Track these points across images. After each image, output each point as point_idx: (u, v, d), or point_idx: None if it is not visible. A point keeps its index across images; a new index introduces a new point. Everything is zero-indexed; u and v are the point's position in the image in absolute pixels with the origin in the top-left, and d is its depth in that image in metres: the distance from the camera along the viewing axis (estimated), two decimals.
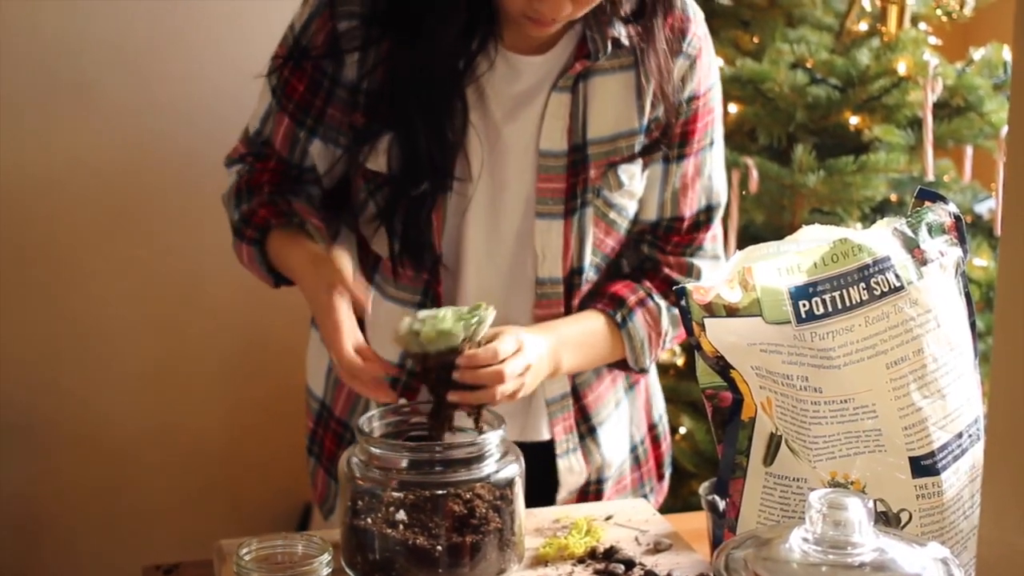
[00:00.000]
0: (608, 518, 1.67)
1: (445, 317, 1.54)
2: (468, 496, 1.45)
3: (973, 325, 1.40)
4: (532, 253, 1.76)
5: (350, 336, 1.61)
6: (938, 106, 2.54)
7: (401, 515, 1.44)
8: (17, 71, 2.68)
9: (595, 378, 1.87)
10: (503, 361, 1.57)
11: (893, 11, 2.58)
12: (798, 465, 1.34)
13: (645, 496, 1.96)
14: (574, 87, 1.72)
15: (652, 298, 1.81)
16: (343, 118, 1.74)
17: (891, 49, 2.54)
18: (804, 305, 1.30)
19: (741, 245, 1.48)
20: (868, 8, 2.64)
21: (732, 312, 1.34)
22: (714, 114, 1.82)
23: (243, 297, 2.35)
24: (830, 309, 1.29)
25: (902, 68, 2.52)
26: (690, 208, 1.82)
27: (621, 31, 1.71)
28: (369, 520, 1.45)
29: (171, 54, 2.76)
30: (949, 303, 1.34)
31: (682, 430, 2.62)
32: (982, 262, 2.55)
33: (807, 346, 1.30)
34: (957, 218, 1.40)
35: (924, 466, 1.30)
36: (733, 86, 2.55)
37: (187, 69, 2.77)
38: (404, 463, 1.48)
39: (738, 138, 2.62)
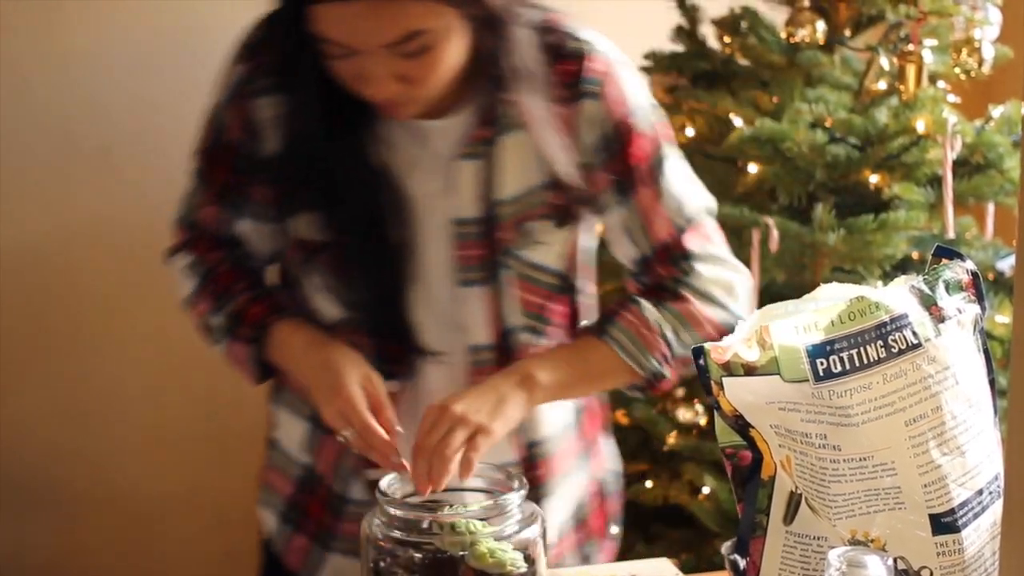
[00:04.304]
0: None
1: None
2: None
3: (992, 382, 1.40)
4: (459, 321, 1.72)
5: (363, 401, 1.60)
6: (958, 164, 2.54)
7: None
8: (40, 136, 2.72)
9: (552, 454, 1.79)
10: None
11: (911, 70, 2.59)
12: (818, 523, 1.34)
13: (587, 557, 1.87)
14: (482, 151, 1.67)
15: (631, 300, 1.72)
16: (267, 193, 1.72)
17: (910, 108, 2.54)
18: (822, 363, 1.30)
19: (762, 304, 1.47)
20: (886, 67, 2.65)
21: (750, 371, 1.34)
22: (649, 135, 1.70)
23: None
24: (848, 367, 1.29)
25: (921, 126, 2.52)
26: (665, 229, 1.72)
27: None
28: None
29: (193, 121, 2.79)
30: (967, 360, 1.34)
31: (705, 490, 2.60)
32: (1004, 319, 2.54)
33: (825, 404, 1.30)
34: (975, 275, 1.40)
35: (944, 523, 1.29)
36: (752, 146, 2.55)
37: None
38: (425, 524, 1.48)
39: (758, 197, 2.62)
